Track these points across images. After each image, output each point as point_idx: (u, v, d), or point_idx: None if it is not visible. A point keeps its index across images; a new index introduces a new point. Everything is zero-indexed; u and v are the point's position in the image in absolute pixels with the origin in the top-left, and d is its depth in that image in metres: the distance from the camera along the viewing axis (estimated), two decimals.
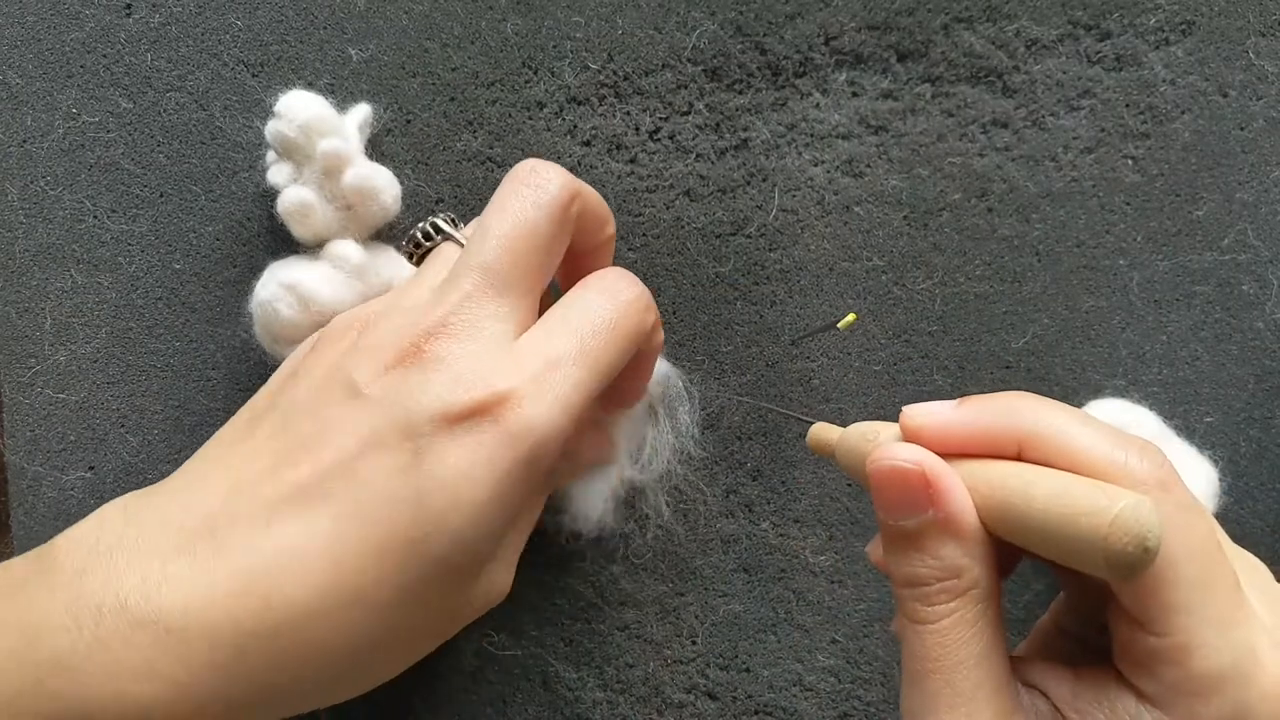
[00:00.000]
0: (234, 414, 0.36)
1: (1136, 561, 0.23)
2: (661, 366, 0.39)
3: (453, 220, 0.36)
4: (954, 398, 0.39)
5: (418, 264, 0.36)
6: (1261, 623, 0.25)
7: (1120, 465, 0.25)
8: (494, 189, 0.39)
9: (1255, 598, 0.26)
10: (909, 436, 0.27)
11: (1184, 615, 0.24)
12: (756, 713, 0.40)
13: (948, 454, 0.27)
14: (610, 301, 0.32)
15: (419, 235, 0.36)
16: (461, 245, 0.34)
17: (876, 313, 0.39)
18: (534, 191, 0.32)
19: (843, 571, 0.39)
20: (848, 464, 0.30)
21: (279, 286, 0.36)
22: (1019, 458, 0.26)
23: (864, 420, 0.30)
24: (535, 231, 0.32)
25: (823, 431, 0.32)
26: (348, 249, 0.36)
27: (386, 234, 0.38)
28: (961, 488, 0.26)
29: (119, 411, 0.40)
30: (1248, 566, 0.28)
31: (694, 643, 0.40)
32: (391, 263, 0.37)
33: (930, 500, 0.26)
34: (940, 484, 0.26)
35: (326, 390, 0.31)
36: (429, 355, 0.30)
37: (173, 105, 0.39)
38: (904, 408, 0.28)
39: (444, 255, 0.34)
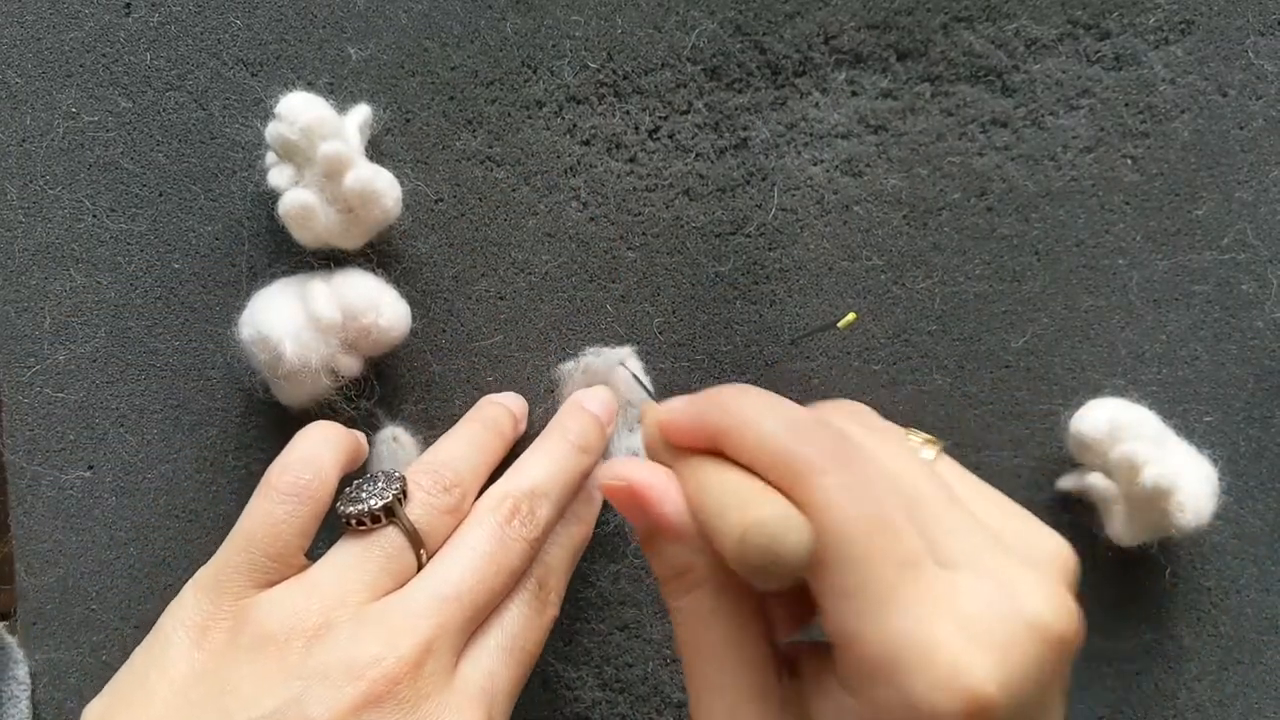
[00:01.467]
0: (231, 416, 0.37)
1: (767, 572, 0.24)
2: (628, 361, 0.39)
3: (400, 495, 0.32)
4: (954, 397, 0.39)
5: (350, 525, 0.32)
6: (951, 602, 0.24)
7: (781, 458, 0.25)
8: (494, 188, 0.39)
9: (970, 575, 0.24)
10: (660, 428, 0.29)
11: (839, 602, 0.24)
12: None
13: (685, 447, 0.28)
14: (536, 604, 0.33)
15: (372, 513, 0.31)
16: (409, 535, 0.31)
17: (876, 312, 0.39)
18: (524, 528, 0.33)
19: None
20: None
21: (254, 333, 0.36)
22: (718, 452, 0.27)
23: None
24: (511, 568, 0.32)
25: (643, 409, 0.33)
26: (324, 309, 0.36)
27: (386, 235, 0.39)
28: (673, 491, 0.28)
29: (118, 411, 0.40)
30: (996, 543, 0.26)
31: None
32: (365, 312, 0.37)
33: (641, 509, 0.28)
34: (645, 495, 0.28)
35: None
36: (395, 700, 0.28)
37: (172, 105, 0.39)
38: (664, 401, 0.29)
39: (386, 544, 0.31)
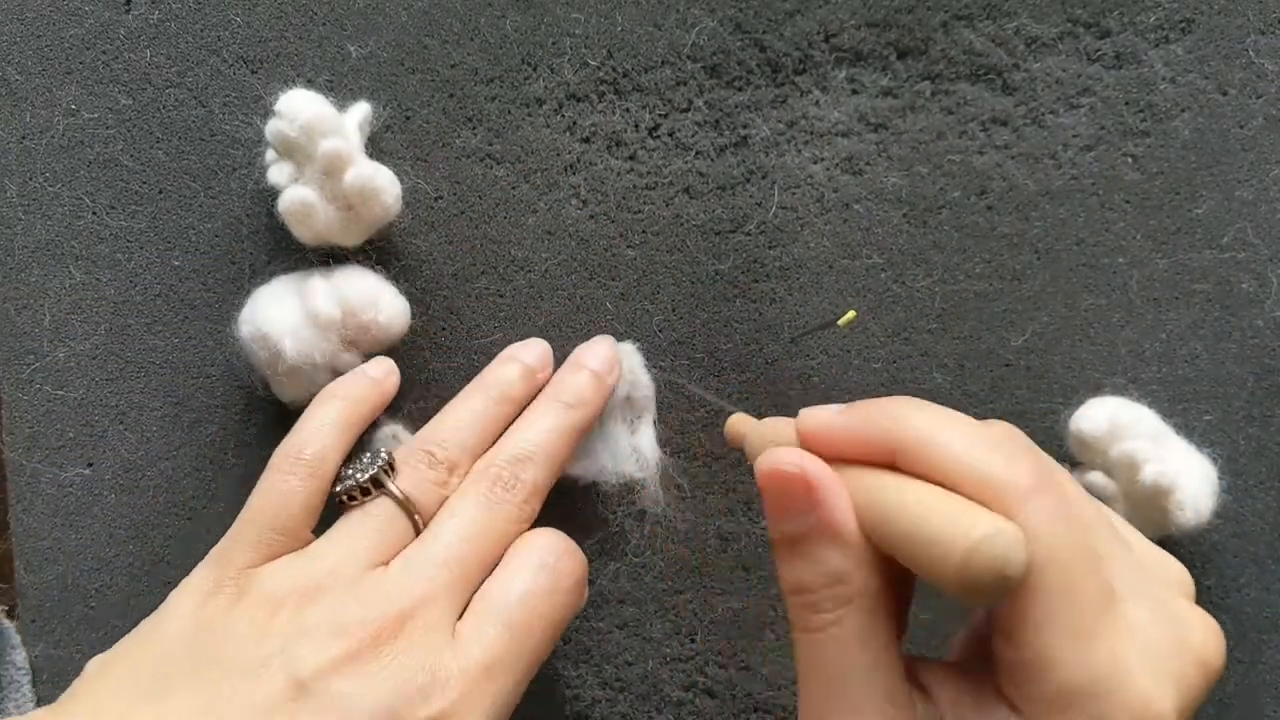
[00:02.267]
0: (231, 413, 0.37)
1: (991, 591, 0.23)
2: (628, 359, 0.39)
3: (387, 467, 0.33)
4: (954, 396, 0.39)
5: (344, 503, 0.33)
6: (1135, 633, 0.24)
7: (986, 477, 0.24)
8: (493, 186, 0.39)
9: (1141, 607, 0.25)
10: (803, 439, 0.27)
11: (1043, 629, 0.24)
12: (755, 710, 0.40)
13: (836, 459, 0.27)
14: (545, 580, 0.32)
15: (361, 485, 0.33)
16: (401, 503, 0.33)
17: (876, 311, 0.39)
18: (508, 493, 0.33)
19: None
20: (754, 460, 0.30)
21: (254, 330, 0.36)
22: (894, 466, 0.26)
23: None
24: (503, 531, 0.33)
25: (739, 423, 0.32)
26: (323, 306, 0.36)
27: (386, 233, 0.39)
28: (843, 494, 0.26)
29: (117, 408, 0.40)
30: (1148, 571, 0.27)
31: (693, 640, 0.40)
32: (364, 309, 0.37)
33: (811, 504, 0.26)
34: (821, 489, 0.26)
35: (264, 672, 0.29)
36: (378, 658, 0.29)
37: (172, 102, 0.39)
38: (802, 410, 0.28)
39: (379, 513, 0.33)
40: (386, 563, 0.32)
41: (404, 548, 0.32)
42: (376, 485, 0.33)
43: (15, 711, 0.39)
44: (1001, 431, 0.27)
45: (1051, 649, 0.24)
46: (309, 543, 0.33)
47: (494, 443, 0.35)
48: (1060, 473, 0.27)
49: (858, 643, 0.26)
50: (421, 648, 0.30)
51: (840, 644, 0.26)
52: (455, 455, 0.34)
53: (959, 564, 0.23)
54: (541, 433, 0.35)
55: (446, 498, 0.34)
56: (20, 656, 0.39)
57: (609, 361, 0.38)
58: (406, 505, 0.33)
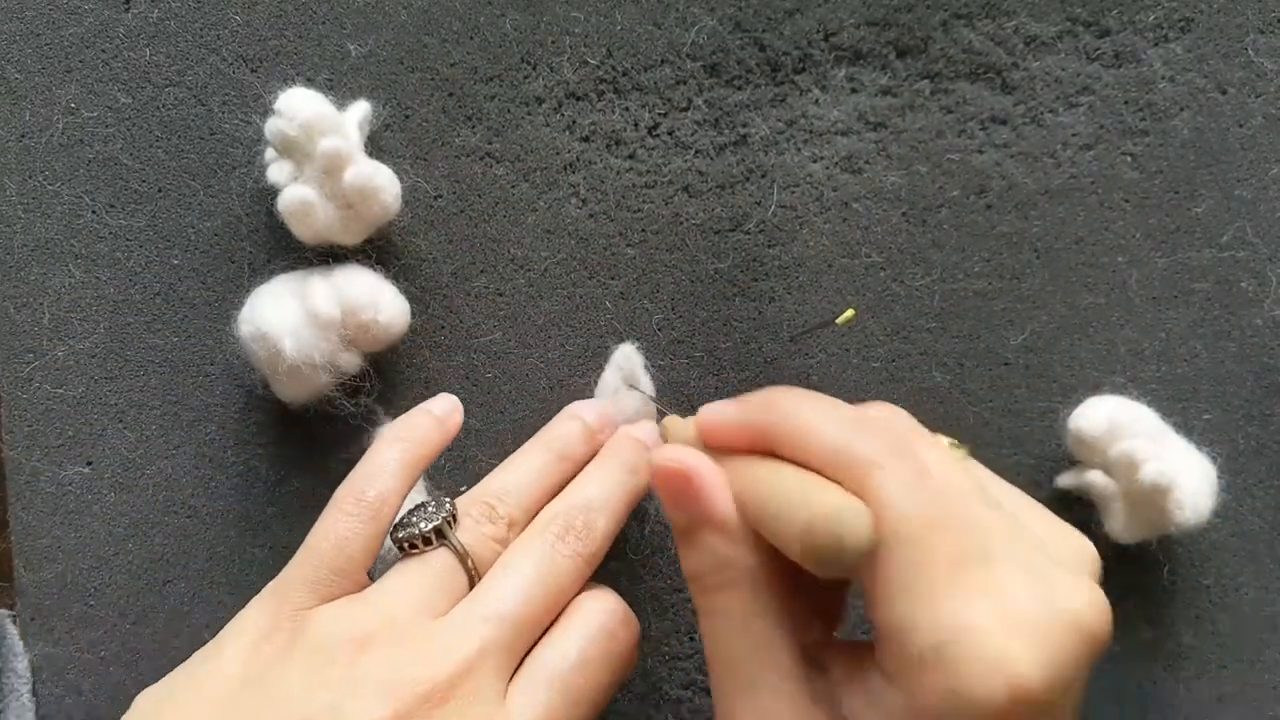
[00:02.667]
0: (230, 412, 0.37)
1: (834, 562, 0.24)
2: (624, 358, 0.39)
3: (450, 519, 0.33)
4: (953, 395, 0.39)
5: (401, 549, 0.33)
6: (999, 595, 0.24)
7: (837, 453, 0.26)
8: (493, 185, 0.39)
9: (1014, 572, 0.25)
10: (699, 433, 0.29)
11: (896, 594, 0.25)
12: None
13: (729, 450, 0.29)
14: (601, 646, 0.32)
15: (423, 535, 0.32)
16: (460, 555, 0.32)
17: (875, 309, 0.39)
18: (578, 541, 0.32)
19: None
20: None
21: (253, 329, 0.36)
22: (772, 453, 0.28)
23: None
24: (561, 587, 0.32)
25: (666, 423, 0.33)
26: (323, 305, 0.36)
27: (385, 231, 0.39)
28: (722, 485, 0.28)
29: (117, 407, 0.40)
30: (1032, 542, 0.27)
31: (691, 639, 0.40)
32: (364, 309, 0.36)
33: (693, 496, 0.28)
34: (699, 481, 0.28)
35: None
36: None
37: (171, 100, 0.39)
38: (702, 406, 0.29)
39: (438, 564, 0.32)
40: (441, 613, 0.31)
41: (458, 600, 0.31)
42: (439, 536, 0.32)
43: (14, 719, 0.39)
44: (875, 412, 0.29)
45: (904, 613, 0.24)
46: (365, 585, 0.32)
47: (546, 498, 0.35)
48: (923, 446, 0.27)
49: (744, 624, 0.27)
50: (473, 710, 0.29)
51: (730, 624, 0.27)
52: (515, 511, 0.34)
53: (799, 536, 0.25)
54: (611, 489, 0.34)
55: (501, 553, 0.33)
56: (22, 664, 0.39)
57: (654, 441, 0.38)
58: (465, 558, 0.32)
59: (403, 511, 0.33)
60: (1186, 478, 0.35)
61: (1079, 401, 0.38)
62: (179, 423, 0.40)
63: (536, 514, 0.34)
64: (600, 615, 0.32)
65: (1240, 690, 0.39)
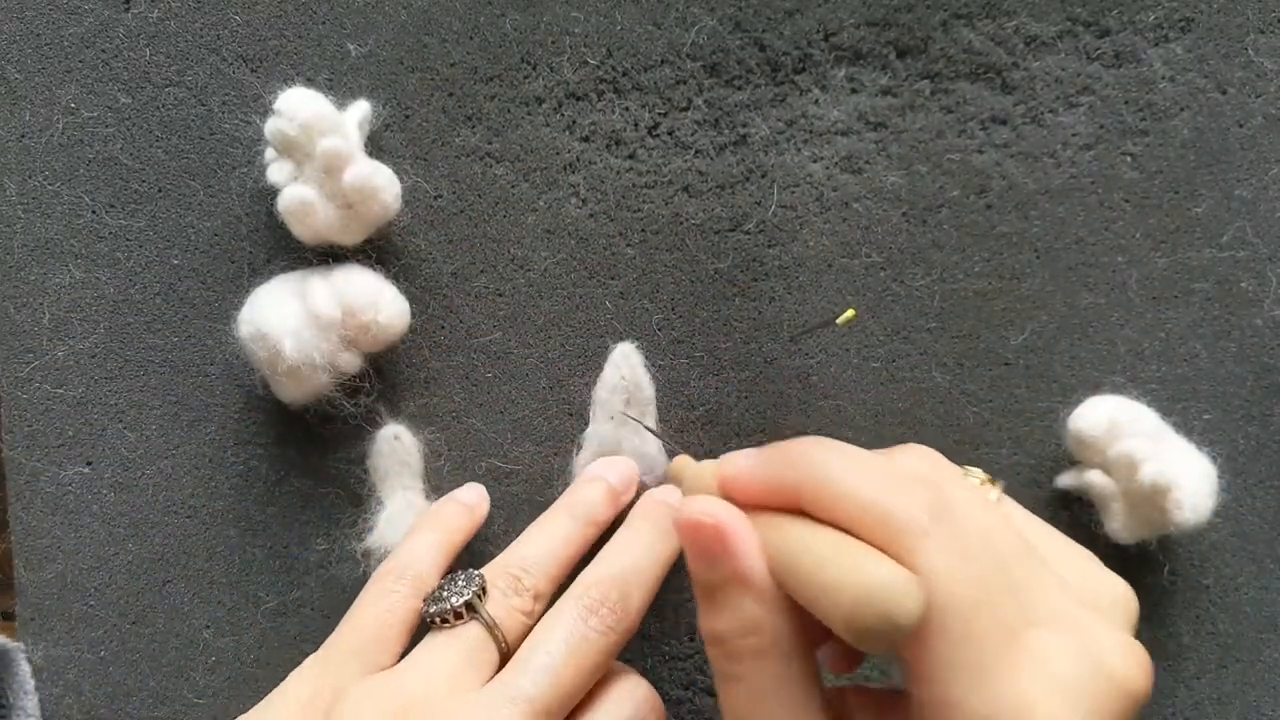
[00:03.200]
0: (230, 412, 0.37)
1: (882, 639, 0.23)
2: (623, 358, 0.39)
3: (480, 592, 0.33)
4: (953, 395, 0.39)
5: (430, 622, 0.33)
6: (1044, 664, 0.24)
7: (883, 518, 0.25)
8: (493, 185, 0.39)
9: (1058, 634, 0.25)
10: (722, 486, 0.28)
11: (943, 668, 0.24)
12: None
13: (754, 505, 0.27)
14: None
15: (455, 609, 0.32)
16: (490, 629, 0.32)
17: (875, 309, 0.39)
18: (611, 616, 0.32)
19: None
20: None
21: (253, 330, 0.36)
22: (800, 510, 0.26)
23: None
24: (592, 665, 0.32)
25: (675, 467, 0.32)
26: (323, 306, 0.36)
27: (385, 231, 0.39)
28: (754, 542, 0.26)
29: (117, 407, 0.40)
30: (1075, 598, 0.26)
31: (691, 639, 0.40)
32: (364, 309, 0.36)
33: (725, 554, 0.26)
34: (732, 538, 0.26)
35: None
36: None
37: (171, 100, 0.39)
38: (723, 455, 0.28)
39: (469, 638, 0.32)
40: (473, 687, 0.31)
41: (490, 672, 0.32)
42: (469, 610, 0.32)
43: None
44: (908, 462, 0.28)
45: (952, 688, 0.24)
46: (399, 658, 0.33)
47: (572, 566, 0.35)
48: (964, 505, 0.26)
49: (772, 692, 0.26)
50: None
51: (756, 693, 0.26)
52: (540, 583, 0.34)
53: (847, 614, 0.23)
54: (645, 556, 0.34)
55: (530, 625, 0.33)
56: (32, 703, 0.39)
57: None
58: (495, 632, 0.32)
59: (437, 585, 0.34)
60: (1186, 477, 0.35)
61: (1079, 401, 0.38)
62: (179, 423, 0.40)
63: (562, 581, 0.34)
64: (630, 705, 0.32)
65: (1240, 689, 0.39)
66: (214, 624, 0.40)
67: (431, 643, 0.33)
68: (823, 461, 0.26)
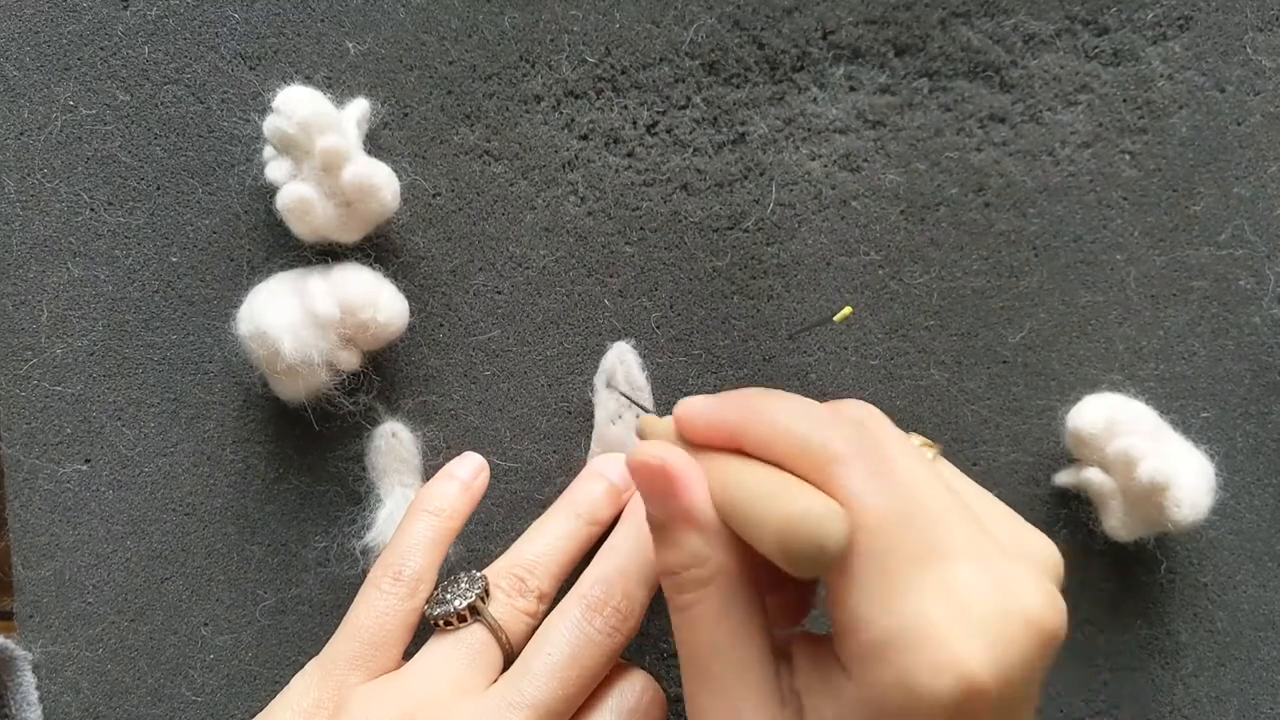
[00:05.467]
0: (228, 410, 0.36)
1: (810, 564, 0.24)
2: (620, 356, 0.39)
3: (483, 594, 0.33)
4: (951, 392, 0.39)
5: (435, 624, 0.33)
6: (954, 592, 0.24)
7: (803, 448, 0.26)
8: (491, 183, 0.39)
9: (972, 569, 0.25)
10: (677, 427, 0.29)
11: (853, 588, 0.25)
12: None
13: (704, 446, 0.29)
14: None
15: (458, 613, 0.33)
16: (494, 630, 0.33)
17: (873, 307, 0.39)
18: (615, 616, 0.33)
19: None
20: None
21: (252, 328, 0.36)
22: (741, 450, 0.28)
23: None
24: (595, 666, 0.32)
25: (644, 421, 0.33)
26: (322, 304, 0.36)
27: (384, 229, 0.39)
28: (700, 482, 0.28)
29: (115, 404, 0.40)
30: (994, 541, 0.27)
31: None
32: (363, 308, 0.36)
33: (671, 492, 0.28)
34: (678, 478, 0.28)
35: None
36: None
37: (170, 98, 0.39)
38: (680, 400, 0.30)
39: (472, 641, 0.33)
40: (477, 690, 0.32)
41: (494, 674, 0.32)
42: (473, 612, 0.33)
43: None
44: (847, 409, 0.29)
45: (860, 607, 0.25)
46: (402, 660, 0.33)
47: (575, 565, 0.35)
48: (890, 446, 0.27)
49: (716, 621, 0.27)
50: None
51: (702, 622, 0.28)
52: (544, 583, 0.34)
53: (774, 537, 0.25)
54: (645, 553, 0.34)
55: (534, 625, 0.33)
56: (35, 715, 0.39)
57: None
58: (499, 634, 0.33)
59: (436, 586, 0.34)
60: (1184, 475, 0.35)
61: (1077, 399, 0.38)
62: (177, 421, 0.40)
63: (565, 580, 0.35)
64: (632, 698, 0.33)
65: (1238, 687, 0.39)
66: (212, 621, 0.40)
67: (435, 646, 0.33)
68: (761, 403, 0.28)
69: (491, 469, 0.39)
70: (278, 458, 0.40)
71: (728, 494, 0.27)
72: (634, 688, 0.33)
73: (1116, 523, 0.37)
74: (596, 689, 0.33)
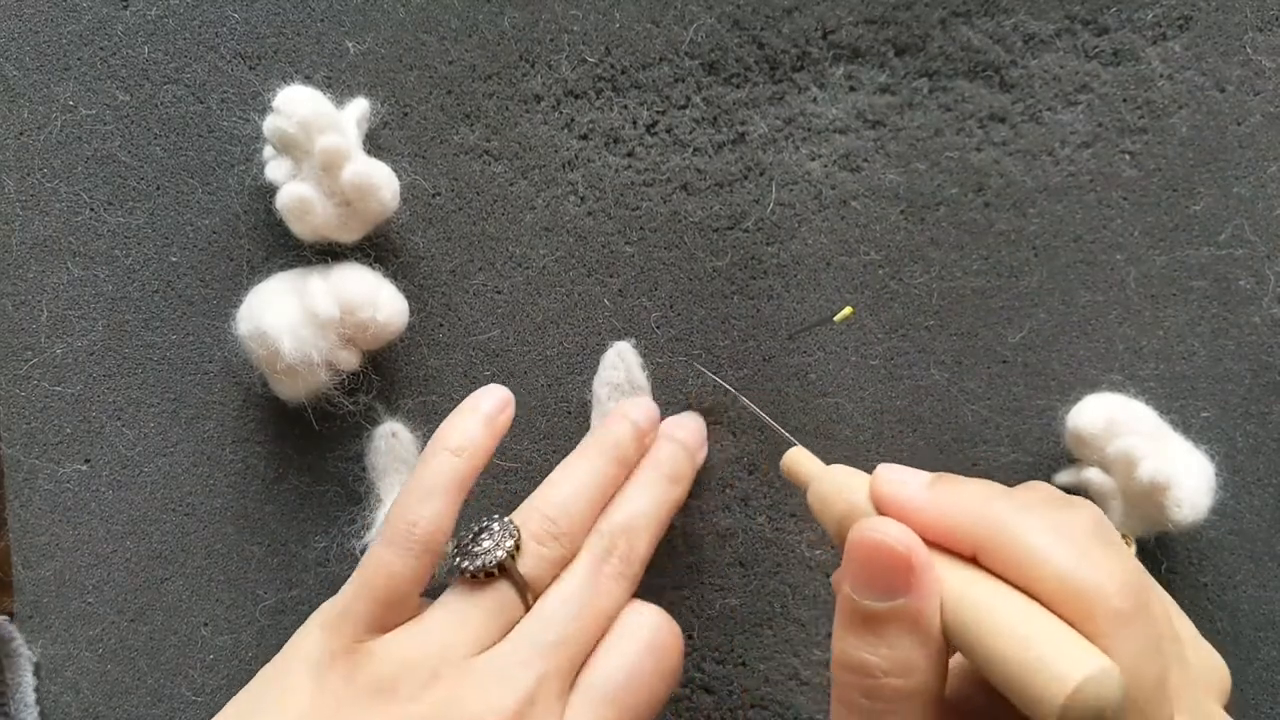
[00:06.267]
0: (228, 409, 0.36)
1: None
2: (620, 356, 0.39)
3: (515, 547, 0.32)
4: (951, 392, 0.39)
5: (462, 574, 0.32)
6: None
7: (1078, 593, 0.23)
8: (491, 183, 0.39)
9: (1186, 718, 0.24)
10: (883, 506, 0.27)
11: None
12: (753, 706, 0.40)
13: (932, 543, 0.26)
14: (651, 661, 0.32)
15: (487, 569, 0.32)
16: (520, 587, 0.32)
17: (873, 307, 0.39)
18: (622, 564, 0.33)
19: (839, 565, 0.39)
20: (818, 509, 0.29)
21: (252, 328, 0.36)
22: (975, 560, 0.25)
23: (847, 464, 0.30)
24: (607, 609, 0.32)
25: (798, 460, 0.31)
26: (321, 304, 0.36)
27: (384, 229, 0.39)
28: (937, 585, 0.25)
29: (115, 404, 0.40)
30: (1196, 680, 0.26)
31: (690, 637, 0.40)
32: (362, 307, 0.36)
33: (907, 588, 0.24)
34: (921, 574, 0.25)
35: None
36: None
37: (170, 98, 0.39)
38: (879, 467, 0.27)
39: (497, 596, 0.32)
40: (496, 639, 0.31)
41: (512, 624, 0.32)
42: (502, 570, 0.32)
43: None
44: (1085, 523, 0.26)
45: None
46: (418, 610, 0.32)
47: (602, 507, 0.35)
48: (1151, 584, 0.26)
49: None
50: None
51: None
52: (575, 527, 0.34)
53: (1061, 707, 0.22)
54: (651, 504, 0.35)
55: (557, 573, 0.33)
56: (33, 717, 0.39)
57: (700, 438, 0.39)
58: (525, 591, 0.32)
59: (463, 532, 0.33)
60: (1184, 475, 0.35)
61: (1077, 399, 0.38)
62: (177, 420, 0.40)
63: (591, 521, 0.34)
64: (646, 631, 0.33)
65: (1238, 687, 0.39)
66: (212, 621, 0.40)
67: (460, 600, 0.32)
68: (1011, 515, 0.25)
69: (490, 469, 0.39)
70: (278, 458, 0.40)
71: (972, 616, 0.24)
72: (648, 623, 0.33)
73: (1117, 522, 0.37)
74: (611, 628, 0.33)
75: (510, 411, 0.35)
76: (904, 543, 0.25)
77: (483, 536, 0.32)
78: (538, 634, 0.31)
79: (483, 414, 0.34)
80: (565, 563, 0.33)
